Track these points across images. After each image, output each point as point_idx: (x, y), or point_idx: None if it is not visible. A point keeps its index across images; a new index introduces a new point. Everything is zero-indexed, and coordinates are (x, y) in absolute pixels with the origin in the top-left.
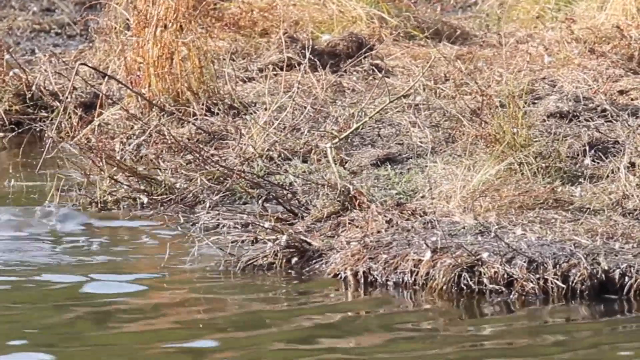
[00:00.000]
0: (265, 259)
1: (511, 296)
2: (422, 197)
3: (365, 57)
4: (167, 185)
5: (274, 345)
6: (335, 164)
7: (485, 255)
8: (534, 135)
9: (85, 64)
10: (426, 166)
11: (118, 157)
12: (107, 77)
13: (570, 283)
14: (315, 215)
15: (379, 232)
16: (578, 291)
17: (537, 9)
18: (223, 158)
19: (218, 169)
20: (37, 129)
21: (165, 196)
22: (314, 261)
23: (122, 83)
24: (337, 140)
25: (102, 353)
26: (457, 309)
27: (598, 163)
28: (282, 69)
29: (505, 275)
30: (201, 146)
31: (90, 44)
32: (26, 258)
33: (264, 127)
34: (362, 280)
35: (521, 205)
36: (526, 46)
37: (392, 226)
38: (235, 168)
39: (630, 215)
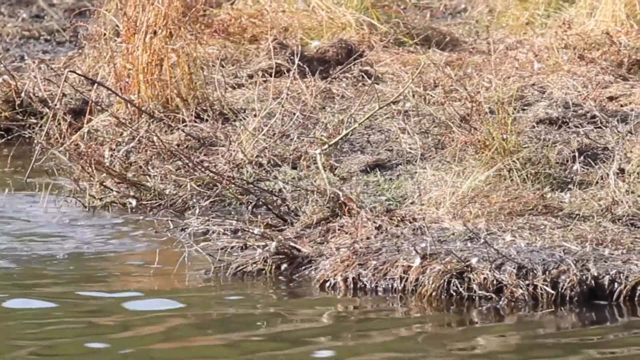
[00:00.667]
0: (254, 265)
1: (501, 302)
2: (412, 203)
3: (354, 64)
4: (156, 191)
5: (264, 352)
6: (325, 170)
7: (474, 261)
8: (524, 142)
9: (74, 72)
10: (416, 172)
11: (107, 164)
12: (96, 84)
13: (560, 289)
14: (305, 222)
15: (368, 238)
16: (567, 297)
17: (527, 16)
18: (212, 164)
19: (207, 175)
20: (27, 136)
21: (154, 202)
22: (303, 267)
23: (111, 90)
24: (326, 146)
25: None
26: (446, 315)
27: (587, 169)
28: (271, 76)
29: (495, 282)
30: (191, 152)
31: (80, 51)
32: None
33: (253, 133)
34: (351, 286)
35: (510, 211)
36: (515, 52)
37: (382, 232)
38: (224, 174)
39: (620, 221)
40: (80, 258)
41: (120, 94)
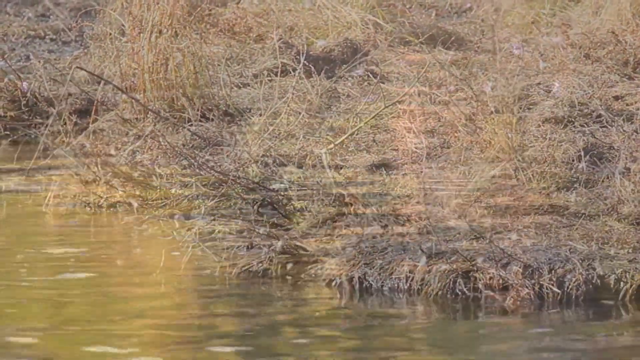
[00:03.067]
0: (260, 264)
1: (506, 302)
2: (417, 202)
3: (360, 63)
4: (162, 191)
5: (270, 351)
6: (331, 169)
7: (480, 260)
8: (529, 141)
9: (80, 67)
10: (421, 172)
11: (113, 163)
12: (102, 83)
13: (566, 288)
14: (311, 221)
15: (374, 237)
16: (573, 296)
17: (532, 15)
18: (218, 164)
19: (213, 175)
20: (32, 135)
21: (160, 201)
22: (309, 267)
23: (118, 87)
24: (332, 145)
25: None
26: (452, 314)
27: (593, 168)
28: (277, 75)
29: (501, 281)
30: (196, 152)
31: (85, 50)
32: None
33: (259, 132)
34: (357, 285)
35: (516, 210)
36: (521, 51)
37: (387, 232)
38: (230, 174)
39: (626, 220)
40: (85, 258)
41: (126, 92)
